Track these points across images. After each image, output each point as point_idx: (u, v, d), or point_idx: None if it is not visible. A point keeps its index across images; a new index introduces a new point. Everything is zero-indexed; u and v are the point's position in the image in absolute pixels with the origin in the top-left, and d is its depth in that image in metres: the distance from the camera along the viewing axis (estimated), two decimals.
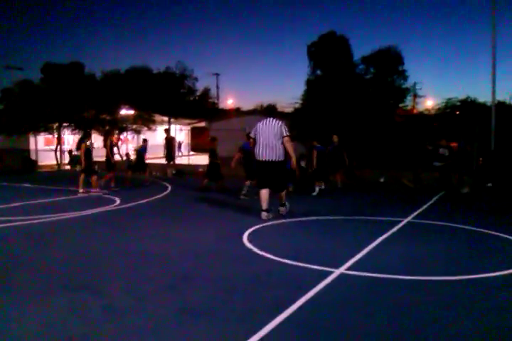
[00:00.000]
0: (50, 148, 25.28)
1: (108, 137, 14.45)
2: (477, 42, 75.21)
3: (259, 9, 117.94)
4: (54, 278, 5.27)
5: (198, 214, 9.71)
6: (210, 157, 13.57)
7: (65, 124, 24.33)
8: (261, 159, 8.99)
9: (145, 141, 16.16)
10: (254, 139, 9.07)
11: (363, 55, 20.73)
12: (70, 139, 27.45)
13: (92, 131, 24.02)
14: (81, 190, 12.37)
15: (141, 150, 15.54)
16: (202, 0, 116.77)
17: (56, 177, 19.35)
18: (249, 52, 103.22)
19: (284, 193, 9.29)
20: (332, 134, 14.47)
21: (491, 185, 14.49)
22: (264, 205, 8.93)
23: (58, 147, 24.78)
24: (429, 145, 14.57)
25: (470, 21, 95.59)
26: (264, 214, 8.88)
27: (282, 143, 8.88)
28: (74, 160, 22.77)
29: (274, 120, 8.98)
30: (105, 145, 14.16)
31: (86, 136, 13.56)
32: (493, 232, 7.71)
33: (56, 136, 24.86)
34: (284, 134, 8.86)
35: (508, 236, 7.39)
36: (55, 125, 24.30)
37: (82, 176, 12.53)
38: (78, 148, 14.40)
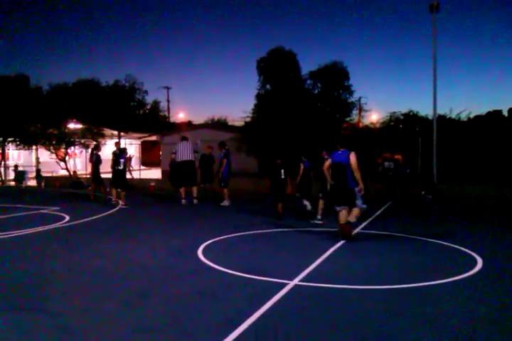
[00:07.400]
0: None
1: None
2: (419, 57, 78.80)
3: (211, 22, 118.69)
4: (0, 299, 5.12)
5: (151, 230, 9.62)
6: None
7: (9, 139, 23.56)
8: (181, 162, 13.61)
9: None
10: (176, 153, 13.53)
11: (310, 70, 21.25)
12: (15, 154, 26.54)
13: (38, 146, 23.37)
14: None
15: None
16: (151, 13, 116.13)
17: (1, 193, 18.61)
18: (201, 66, 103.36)
19: (197, 188, 13.70)
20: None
21: (430, 197, 15.04)
22: (183, 195, 13.54)
23: (2, 162, 23.91)
24: (380, 158, 15.08)
25: (412, 38, 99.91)
26: (183, 201, 13.44)
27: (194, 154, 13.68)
28: (20, 176, 22.06)
29: (188, 142, 13.69)
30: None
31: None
32: (437, 241, 8.11)
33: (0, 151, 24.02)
34: (195, 150, 13.62)
35: (452, 245, 7.79)
36: None
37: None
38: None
